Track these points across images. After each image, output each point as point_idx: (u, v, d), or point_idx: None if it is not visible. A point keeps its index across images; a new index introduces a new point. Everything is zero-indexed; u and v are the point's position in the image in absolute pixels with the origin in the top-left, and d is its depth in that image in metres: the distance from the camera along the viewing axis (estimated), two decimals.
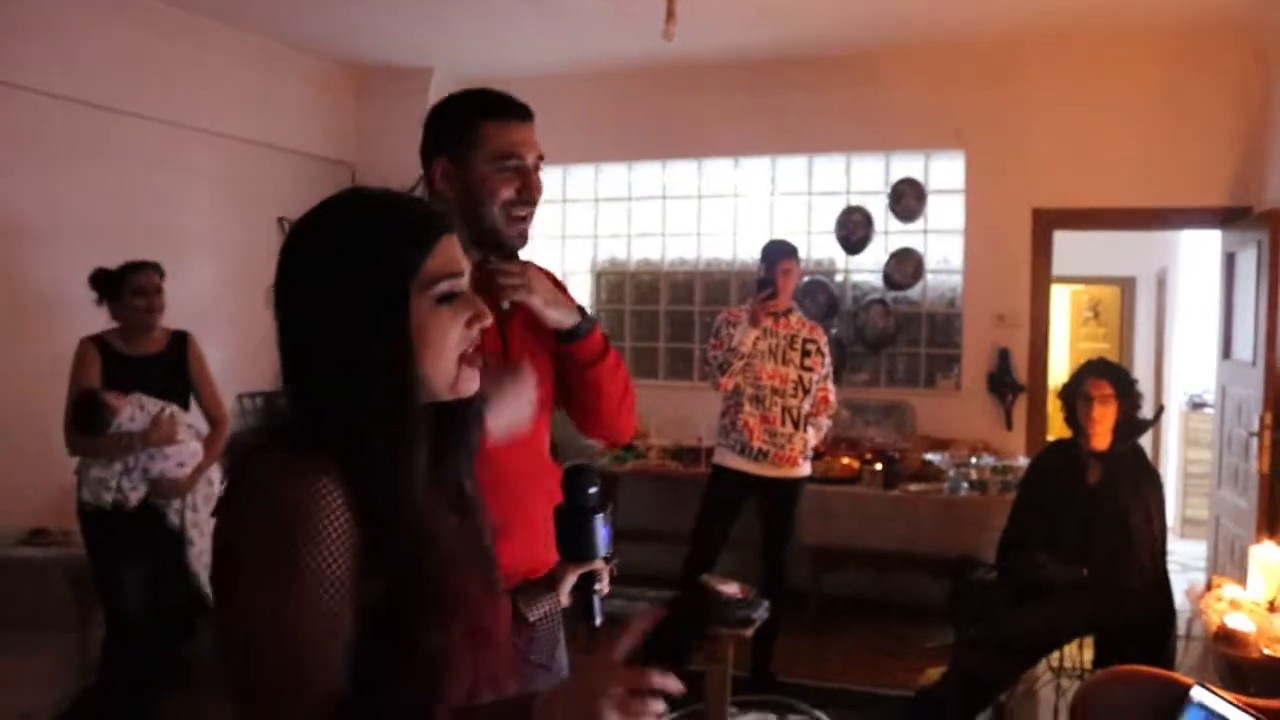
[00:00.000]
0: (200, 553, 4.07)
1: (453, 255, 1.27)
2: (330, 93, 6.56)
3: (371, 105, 6.69)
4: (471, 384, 1.28)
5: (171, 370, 4.12)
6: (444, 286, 1.24)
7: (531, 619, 1.62)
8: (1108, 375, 4.13)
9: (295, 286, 1.24)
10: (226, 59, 5.77)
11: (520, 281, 1.93)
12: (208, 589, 4.02)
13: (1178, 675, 3.11)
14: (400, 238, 1.24)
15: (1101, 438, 4.09)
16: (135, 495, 3.93)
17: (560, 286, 2.06)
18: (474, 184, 1.92)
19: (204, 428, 4.33)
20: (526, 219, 1.97)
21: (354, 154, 6.71)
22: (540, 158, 1.98)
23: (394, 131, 6.66)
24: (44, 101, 4.84)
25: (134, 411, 3.95)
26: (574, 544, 1.59)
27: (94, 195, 5.09)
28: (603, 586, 1.62)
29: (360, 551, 1.14)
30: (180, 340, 4.20)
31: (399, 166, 7.20)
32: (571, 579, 1.62)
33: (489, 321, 1.28)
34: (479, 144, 1.91)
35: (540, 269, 2.05)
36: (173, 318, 4.34)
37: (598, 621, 1.62)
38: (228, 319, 5.88)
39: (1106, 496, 4.03)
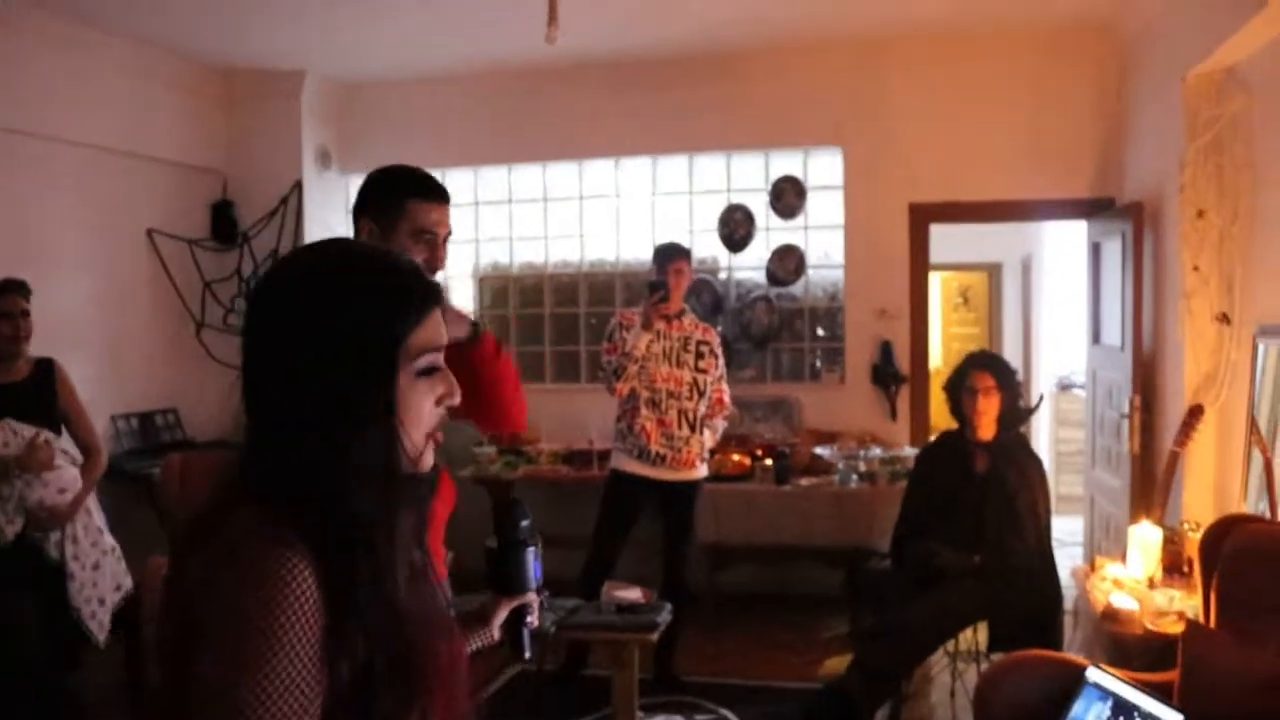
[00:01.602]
0: (81, 586, 3.89)
1: (439, 328, 1.22)
2: (198, 98, 6.32)
3: (242, 110, 6.47)
4: (429, 460, 1.23)
5: (39, 398, 3.91)
6: (426, 360, 1.19)
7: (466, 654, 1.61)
8: (990, 368, 4.28)
9: (277, 345, 1.16)
10: (87, 64, 5.48)
11: None
12: (88, 625, 3.82)
13: (1072, 657, 3.24)
14: (397, 306, 1.18)
15: (986, 428, 4.24)
16: (11, 529, 3.73)
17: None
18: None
19: (76, 455, 4.13)
20: None
21: (224, 162, 6.48)
22: (448, 234, 2.30)
23: (266, 137, 6.52)
24: None
25: (6, 437, 3.74)
26: (507, 578, 1.62)
27: None
28: (533, 620, 1.66)
29: (328, 630, 1.08)
30: (46, 367, 3.98)
31: (271, 174, 7.02)
32: (504, 613, 1.63)
33: (457, 400, 1.24)
34: (402, 217, 2.23)
35: None
36: (38, 336, 4.13)
37: (528, 655, 1.65)
38: (97, 337, 5.65)
39: (994, 484, 4.17)
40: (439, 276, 2.33)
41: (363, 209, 2.27)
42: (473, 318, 2.36)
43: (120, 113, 5.73)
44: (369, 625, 1.11)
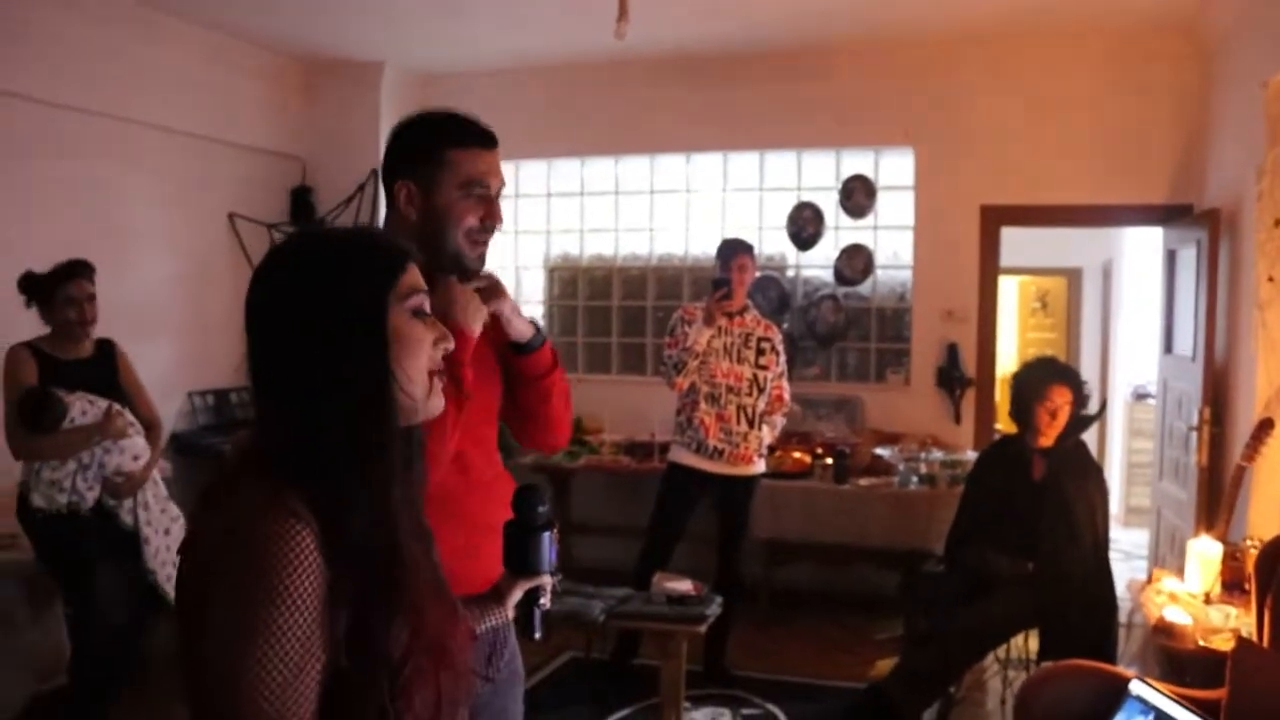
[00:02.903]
0: (156, 550, 4.06)
1: (419, 277, 1.32)
2: (280, 87, 6.49)
3: (322, 99, 6.63)
4: (439, 404, 1.33)
5: (104, 376, 4.07)
6: (416, 300, 1.30)
7: (478, 631, 1.65)
8: (1070, 382, 4.20)
9: (272, 316, 1.26)
10: (174, 53, 5.68)
11: (498, 288, 2.04)
12: (164, 587, 4.00)
13: (1117, 669, 3.20)
14: (375, 256, 1.29)
15: (1050, 437, 4.18)
16: (91, 495, 3.89)
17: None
18: (439, 209, 1.97)
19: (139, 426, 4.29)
20: (487, 244, 2.04)
21: (304, 149, 6.65)
22: (502, 185, 2.04)
23: (345, 126, 6.66)
24: None
25: (84, 406, 3.90)
26: (523, 559, 1.65)
27: (37, 193, 4.98)
28: (546, 601, 1.69)
29: (329, 588, 1.16)
30: (108, 348, 4.14)
31: (349, 162, 7.12)
32: (518, 593, 1.67)
33: (452, 345, 1.33)
34: (446, 170, 1.96)
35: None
36: (120, 316, 4.30)
37: (538, 635, 1.69)
38: (178, 316, 5.85)
39: (1051, 491, 4.12)
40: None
41: (396, 170, 2.00)
42: (535, 324, 2.16)
43: (205, 100, 5.92)
44: (361, 580, 1.18)
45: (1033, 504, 4.14)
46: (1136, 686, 2.91)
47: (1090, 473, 4.25)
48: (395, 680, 1.20)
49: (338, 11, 5.59)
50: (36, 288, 3.94)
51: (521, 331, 2.08)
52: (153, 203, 5.69)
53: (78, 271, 3.96)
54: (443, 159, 1.95)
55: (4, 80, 4.79)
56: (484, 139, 2.00)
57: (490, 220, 2.00)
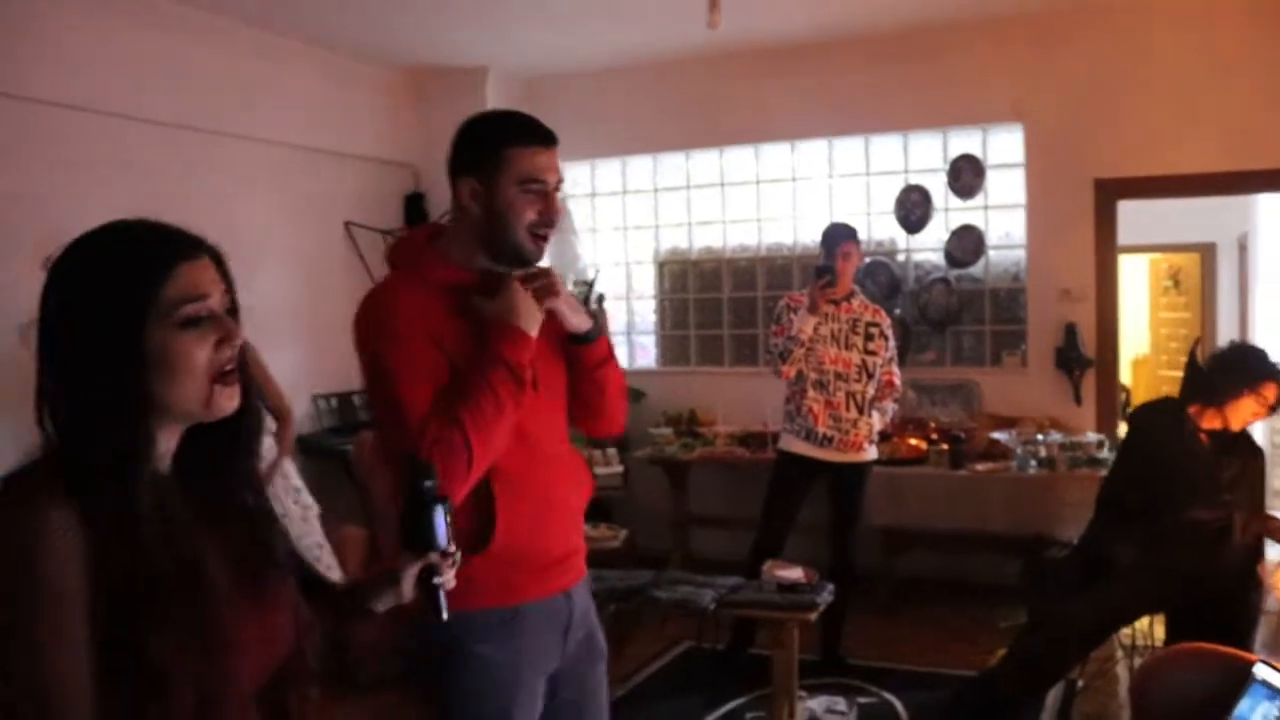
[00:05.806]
0: (298, 538, 4.18)
1: (194, 280, 1.30)
2: (390, 98, 6.69)
3: (430, 107, 6.78)
4: (230, 402, 1.33)
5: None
6: (187, 311, 1.28)
7: (379, 610, 1.60)
8: None
9: (43, 319, 1.28)
10: (291, 72, 5.92)
11: (553, 286, 2.09)
12: (320, 571, 4.15)
13: (1241, 653, 3.07)
14: (131, 268, 1.28)
15: (1238, 426, 3.92)
16: None
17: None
18: (499, 205, 2.03)
19: (270, 424, 4.45)
20: (547, 238, 2.10)
21: (416, 156, 6.81)
22: (560, 181, 2.09)
23: (453, 131, 6.80)
24: (119, 124, 5.00)
25: None
26: (412, 535, 1.59)
27: (170, 212, 5.22)
28: (442, 579, 1.60)
29: (94, 568, 1.19)
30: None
31: None
32: (412, 570, 1.58)
33: (240, 341, 1.33)
34: (505, 167, 2.02)
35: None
36: (247, 324, 4.47)
37: (444, 615, 1.59)
38: (300, 323, 6.07)
39: (1216, 475, 3.86)
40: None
41: (459, 167, 2.07)
42: (593, 316, 2.22)
43: (322, 115, 6.15)
44: (118, 564, 1.21)
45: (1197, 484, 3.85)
46: (1261, 670, 2.79)
47: (1254, 459, 3.97)
48: (160, 682, 1.22)
49: (438, 21, 5.73)
50: None
51: (578, 325, 2.14)
52: (274, 215, 5.92)
53: None
54: (501, 156, 2.02)
55: (134, 107, 5.06)
56: (541, 137, 2.05)
57: (548, 214, 2.06)
